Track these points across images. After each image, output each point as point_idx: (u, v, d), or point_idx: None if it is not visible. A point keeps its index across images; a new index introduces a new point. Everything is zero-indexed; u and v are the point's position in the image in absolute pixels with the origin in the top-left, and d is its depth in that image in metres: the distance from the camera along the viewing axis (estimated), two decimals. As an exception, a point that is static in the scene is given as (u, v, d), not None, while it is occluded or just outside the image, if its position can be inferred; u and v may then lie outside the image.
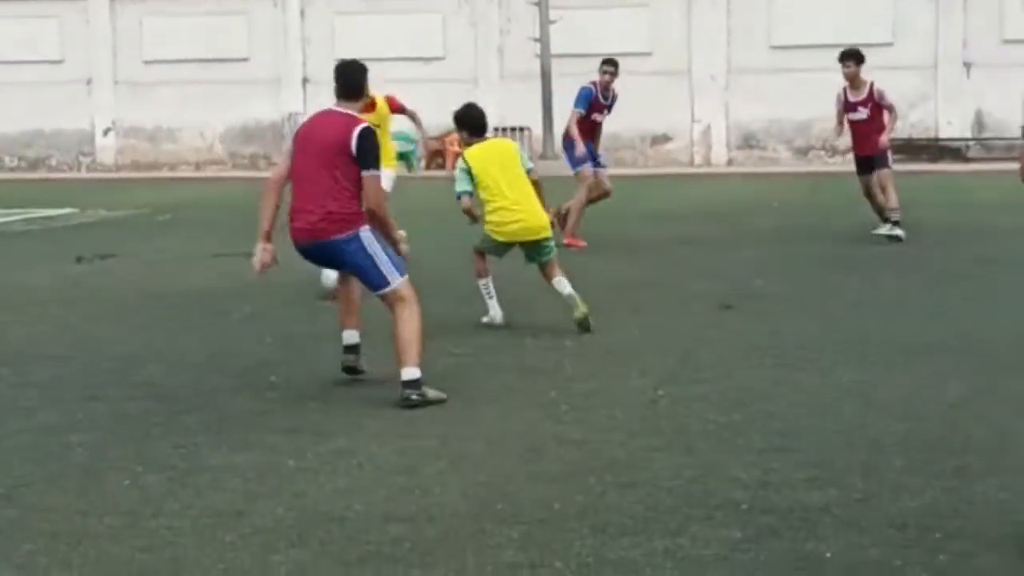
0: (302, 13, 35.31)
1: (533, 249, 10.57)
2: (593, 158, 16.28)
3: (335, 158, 8.12)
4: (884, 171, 16.12)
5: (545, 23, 33.01)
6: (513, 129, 33.63)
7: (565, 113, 29.68)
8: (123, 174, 33.90)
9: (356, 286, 8.65)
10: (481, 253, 10.69)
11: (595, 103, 16.28)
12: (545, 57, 31.84)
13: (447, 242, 15.56)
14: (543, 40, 32.84)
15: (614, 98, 16.60)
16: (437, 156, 34.94)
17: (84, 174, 34.91)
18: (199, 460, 6.76)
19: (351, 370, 8.54)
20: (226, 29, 34.46)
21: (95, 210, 22.69)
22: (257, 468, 6.57)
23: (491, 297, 10.54)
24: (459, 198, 10.59)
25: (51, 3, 35.42)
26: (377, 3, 34.62)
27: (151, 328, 10.81)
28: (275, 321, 10.93)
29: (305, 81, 35.13)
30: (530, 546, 5.41)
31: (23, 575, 5.21)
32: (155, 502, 6.06)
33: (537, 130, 33.19)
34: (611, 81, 16.34)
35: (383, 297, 8.24)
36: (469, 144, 10.66)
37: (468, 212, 10.66)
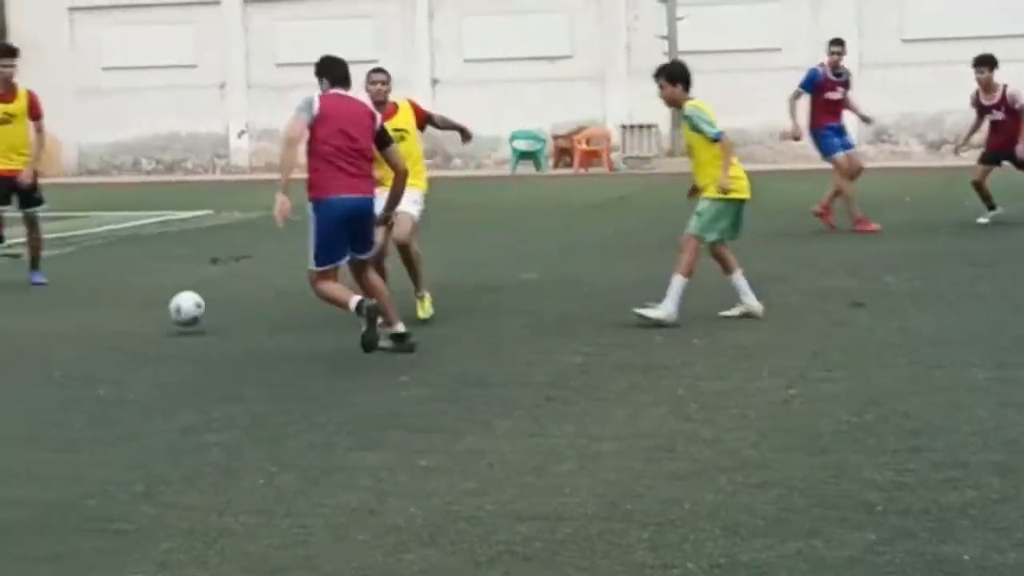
0: (431, 15, 35.55)
1: (741, 213, 10.56)
2: (839, 138, 16.95)
3: (367, 132, 9.68)
4: None
5: (672, 20, 32.90)
6: (641, 127, 33.54)
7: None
8: (256, 176, 34.38)
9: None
10: (699, 240, 10.40)
11: (824, 83, 16.84)
12: (673, 54, 31.64)
13: (574, 240, 15.59)
14: (671, 37, 32.71)
15: (847, 74, 17.20)
16: (565, 155, 34.99)
17: (219, 176, 35.51)
18: (332, 459, 6.85)
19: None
20: (355, 32, 34.74)
21: (230, 212, 23.08)
22: (389, 467, 6.64)
23: (680, 296, 10.32)
24: (720, 138, 10.28)
25: (186, 9, 36.09)
26: (504, 3, 34.69)
27: (286, 329, 10.96)
28: (406, 322, 11.01)
29: (434, 83, 35.34)
30: (661, 546, 5.40)
31: (162, 572, 5.32)
32: (288, 501, 6.15)
33: (664, 127, 33.02)
34: (839, 60, 16.99)
35: (367, 259, 9.72)
36: (683, 100, 10.52)
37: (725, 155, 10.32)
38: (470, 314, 10.54)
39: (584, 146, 34.08)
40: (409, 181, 10.10)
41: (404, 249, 10.85)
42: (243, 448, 7.13)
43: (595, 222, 19.77)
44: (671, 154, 29.87)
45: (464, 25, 35.02)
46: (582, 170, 33.31)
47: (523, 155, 34.27)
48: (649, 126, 33.45)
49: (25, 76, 35.00)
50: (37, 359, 9.90)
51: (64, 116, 36.29)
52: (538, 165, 34.35)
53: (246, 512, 5.99)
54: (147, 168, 36.88)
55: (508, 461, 6.69)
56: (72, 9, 36.78)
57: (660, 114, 32.13)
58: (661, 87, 10.65)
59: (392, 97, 11.21)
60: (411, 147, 10.76)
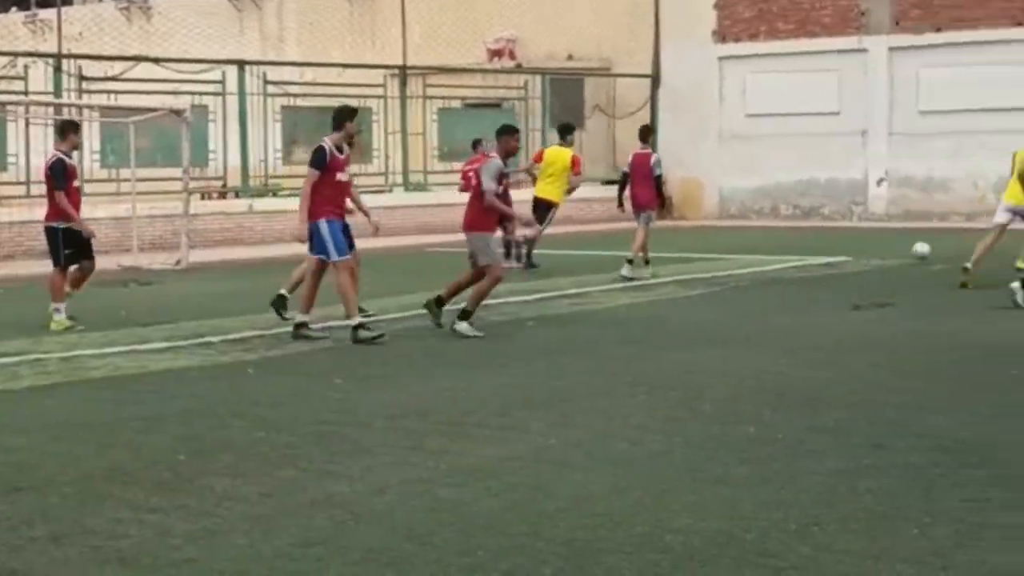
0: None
1: None
2: None
3: None
4: None
5: None
6: None
7: None
8: (893, 224, 33.97)
9: None
10: None
11: None
12: None
13: None
14: None
15: None
16: None
17: (855, 223, 35.34)
18: (987, 515, 6.67)
19: None
20: (1015, 80, 33.36)
21: (867, 259, 22.97)
22: (1050, 530, 6.38)
23: None
24: None
25: (833, 57, 36.12)
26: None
27: (930, 378, 10.80)
28: None
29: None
30: None
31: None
32: (945, 555, 6.04)
33: None
34: None
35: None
36: None
37: None
38: None
39: None
40: None
41: None
42: (894, 496, 7.07)
43: None
44: None
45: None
46: None
47: None
48: None
49: (674, 123, 36.62)
50: (686, 395, 10.29)
51: (706, 161, 37.58)
52: None
53: (901, 561, 5.94)
54: (785, 213, 37.29)
55: None
56: (722, 58, 37.81)
57: None
58: None
59: None
60: None
